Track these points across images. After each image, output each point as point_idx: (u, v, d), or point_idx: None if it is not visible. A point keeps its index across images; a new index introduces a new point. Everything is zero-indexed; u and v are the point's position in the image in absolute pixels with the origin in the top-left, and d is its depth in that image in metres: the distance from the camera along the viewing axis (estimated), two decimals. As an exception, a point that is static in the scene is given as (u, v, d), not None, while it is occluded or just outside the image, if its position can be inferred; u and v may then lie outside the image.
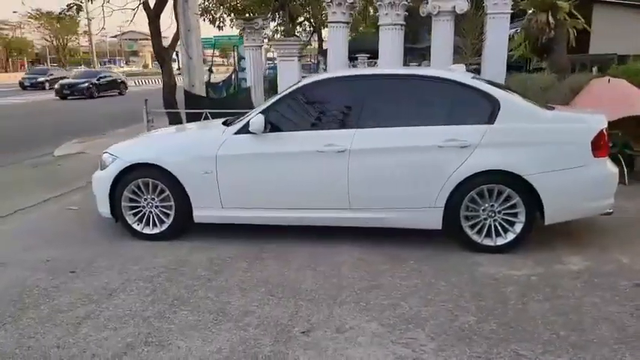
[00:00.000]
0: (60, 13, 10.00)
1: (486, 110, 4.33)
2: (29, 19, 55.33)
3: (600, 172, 4.27)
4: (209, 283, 3.91)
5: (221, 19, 19.14)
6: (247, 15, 18.86)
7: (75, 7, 9.99)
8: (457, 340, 3.04)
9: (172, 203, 4.72)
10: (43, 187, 6.96)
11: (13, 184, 7.40)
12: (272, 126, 4.54)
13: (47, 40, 61.41)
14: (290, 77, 8.52)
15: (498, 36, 7.90)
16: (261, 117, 4.45)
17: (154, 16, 10.33)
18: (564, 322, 3.22)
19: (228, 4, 18.98)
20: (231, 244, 4.65)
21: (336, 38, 8.43)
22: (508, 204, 4.29)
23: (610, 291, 3.63)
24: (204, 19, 19.06)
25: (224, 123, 4.98)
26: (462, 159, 4.25)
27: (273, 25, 21.18)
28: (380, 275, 3.97)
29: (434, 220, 4.39)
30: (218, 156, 4.57)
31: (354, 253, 4.41)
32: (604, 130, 4.27)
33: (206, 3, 18.55)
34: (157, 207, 4.78)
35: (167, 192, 4.71)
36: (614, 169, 4.36)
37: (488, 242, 4.36)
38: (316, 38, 27.66)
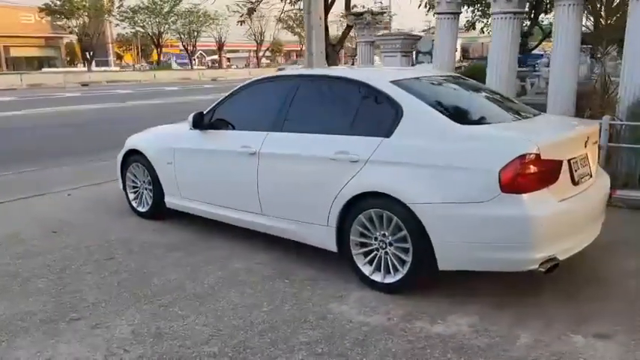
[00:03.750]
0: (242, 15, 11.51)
1: (387, 120, 3.60)
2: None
3: (509, 214, 3.08)
4: (108, 261, 4.32)
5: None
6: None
7: (248, 12, 11.38)
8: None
9: (151, 187, 5.28)
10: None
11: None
12: (217, 123, 4.67)
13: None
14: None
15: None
16: (192, 115, 4.62)
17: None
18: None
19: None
20: (185, 232, 4.97)
21: (443, 31, 7.50)
22: (398, 235, 3.50)
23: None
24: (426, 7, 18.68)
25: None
26: (350, 175, 3.64)
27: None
28: (232, 287, 3.77)
29: (328, 241, 3.87)
30: (175, 148, 4.92)
31: (252, 262, 4.22)
32: (526, 157, 3.07)
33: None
34: (145, 189, 5.41)
35: (149, 176, 5.28)
36: (535, 212, 3.06)
37: (376, 277, 3.64)
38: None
